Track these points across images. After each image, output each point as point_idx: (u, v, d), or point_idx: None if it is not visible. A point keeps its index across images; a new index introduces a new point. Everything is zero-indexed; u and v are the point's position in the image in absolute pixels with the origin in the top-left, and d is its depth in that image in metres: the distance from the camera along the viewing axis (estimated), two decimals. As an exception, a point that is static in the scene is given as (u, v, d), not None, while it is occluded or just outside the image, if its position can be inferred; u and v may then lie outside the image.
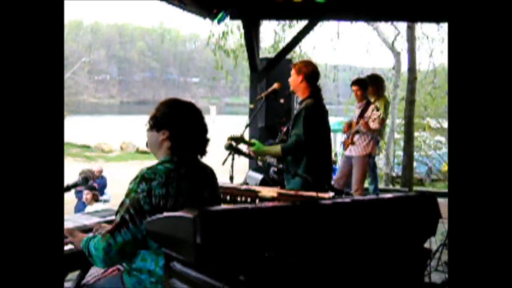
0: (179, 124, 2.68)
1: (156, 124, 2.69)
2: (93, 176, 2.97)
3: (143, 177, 2.51)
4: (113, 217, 2.95)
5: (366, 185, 7.79)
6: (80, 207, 8.12)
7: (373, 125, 6.73)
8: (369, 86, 7.41)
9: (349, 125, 7.20)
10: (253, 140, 4.85)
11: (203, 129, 2.76)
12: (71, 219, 3.19)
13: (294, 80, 4.68)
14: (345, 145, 7.19)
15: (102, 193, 8.56)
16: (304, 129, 4.43)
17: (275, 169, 4.58)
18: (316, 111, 4.58)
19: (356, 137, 6.92)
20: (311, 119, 4.48)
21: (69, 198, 8.24)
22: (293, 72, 4.69)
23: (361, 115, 6.89)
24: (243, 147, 4.72)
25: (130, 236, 2.46)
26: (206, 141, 2.78)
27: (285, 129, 4.92)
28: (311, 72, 4.65)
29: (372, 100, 7.36)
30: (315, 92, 4.64)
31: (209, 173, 2.86)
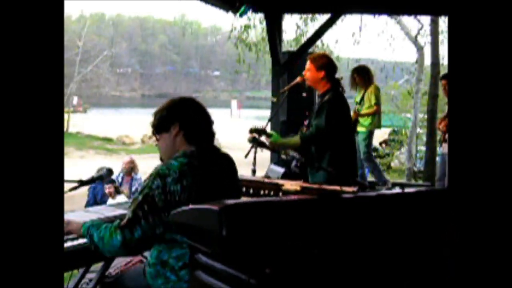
0: (185, 112, 2.70)
1: (163, 125, 2.71)
2: (111, 173, 2.95)
3: (158, 174, 2.50)
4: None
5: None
6: (90, 203, 8.09)
7: None
8: (356, 78, 7.49)
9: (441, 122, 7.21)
10: (270, 131, 4.83)
11: (207, 113, 2.77)
12: (96, 211, 3.21)
13: (314, 75, 4.57)
14: (441, 143, 7.23)
15: None
16: (327, 120, 4.37)
17: (298, 163, 4.55)
18: (339, 105, 4.52)
19: (448, 135, 6.93)
20: (334, 112, 4.42)
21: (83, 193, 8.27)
22: (311, 67, 4.57)
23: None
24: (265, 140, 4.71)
25: (141, 233, 2.45)
26: (212, 127, 2.78)
27: (306, 122, 4.87)
28: (331, 66, 4.58)
29: (362, 90, 7.43)
30: (335, 85, 4.59)
31: (227, 162, 2.84)
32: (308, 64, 4.62)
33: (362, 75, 7.59)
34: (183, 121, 2.67)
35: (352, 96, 7.63)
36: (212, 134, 2.77)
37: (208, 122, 2.76)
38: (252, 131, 4.74)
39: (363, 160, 7.64)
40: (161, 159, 2.78)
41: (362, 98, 7.50)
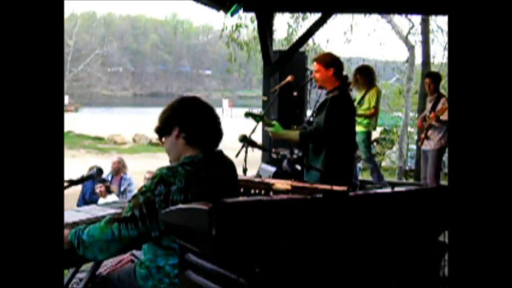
0: (185, 114, 2.65)
1: (164, 128, 2.68)
2: (101, 173, 2.90)
3: (162, 179, 2.45)
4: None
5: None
6: (81, 203, 8.06)
7: (444, 117, 6.87)
8: (358, 77, 7.46)
9: (423, 120, 7.32)
10: (273, 122, 4.79)
11: (211, 113, 2.71)
12: (87, 211, 3.20)
13: (324, 74, 4.51)
14: (421, 140, 7.31)
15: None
16: (326, 119, 4.35)
17: (289, 162, 4.53)
18: (342, 103, 4.48)
19: (430, 131, 7.01)
20: (335, 110, 4.38)
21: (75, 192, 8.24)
22: (319, 67, 4.53)
23: (433, 109, 7.02)
24: (257, 138, 4.68)
25: (136, 233, 2.42)
26: (219, 126, 2.72)
27: (311, 119, 4.81)
28: (339, 62, 4.55)
29: (363, 91, 7.42)
30: (343, 83, 4.55)
31: (231, 170, 2.80)
32: (315, 66, 4.57)
33: (365, 75, 7.52)
34: (182, 123, 2.63)
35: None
36: (217, 135, 2.71)
37: (212, 123, 2.70)
38: (247, 114, 4.70)
39: (365, 160, 7.68)
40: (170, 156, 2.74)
41: (362, 98, 7.47)
